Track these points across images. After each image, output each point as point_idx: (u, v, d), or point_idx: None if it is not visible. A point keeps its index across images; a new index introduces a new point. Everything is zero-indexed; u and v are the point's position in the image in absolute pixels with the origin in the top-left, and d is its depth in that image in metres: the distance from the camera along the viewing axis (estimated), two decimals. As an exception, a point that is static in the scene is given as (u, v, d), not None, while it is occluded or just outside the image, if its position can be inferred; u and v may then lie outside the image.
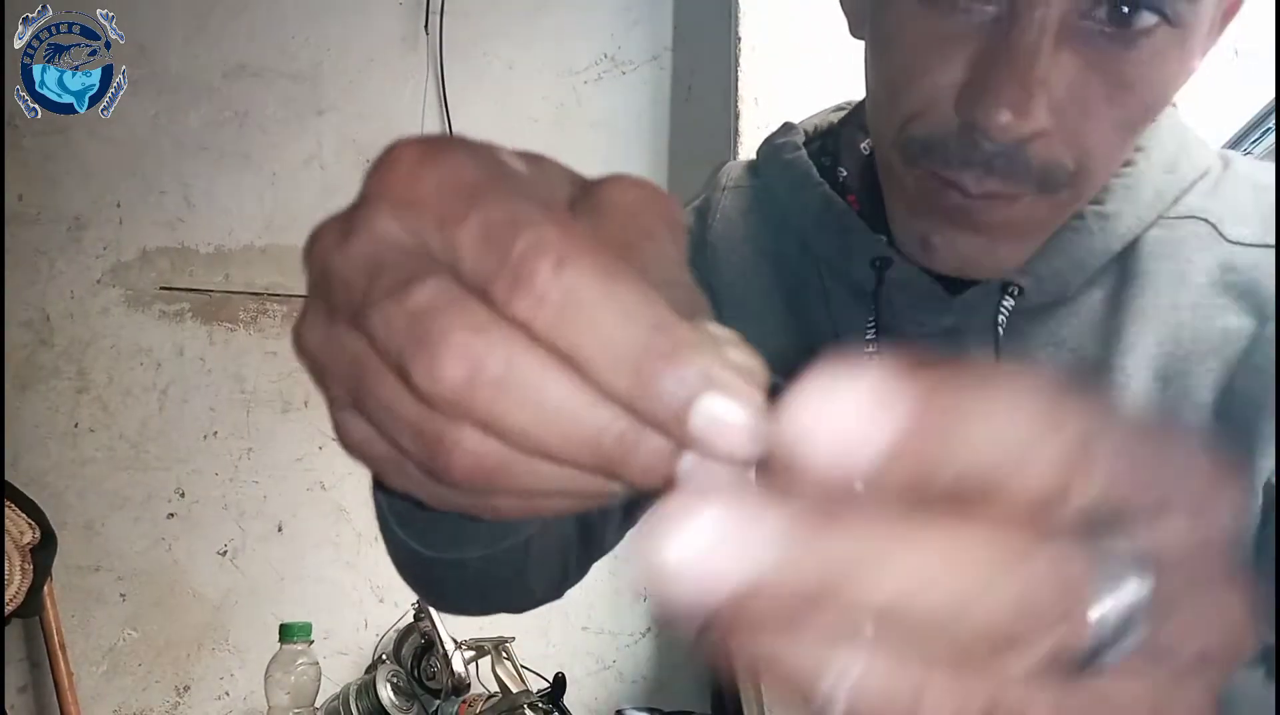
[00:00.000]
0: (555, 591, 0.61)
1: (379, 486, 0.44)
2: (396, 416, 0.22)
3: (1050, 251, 0.51)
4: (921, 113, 0.46)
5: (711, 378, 0.19)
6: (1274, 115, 1.06)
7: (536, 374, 0.20)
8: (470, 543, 0.45)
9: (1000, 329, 0.52)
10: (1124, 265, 0.52)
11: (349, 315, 0.22)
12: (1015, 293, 0.51)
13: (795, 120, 0.65)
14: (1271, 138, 1.07)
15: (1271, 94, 1.03)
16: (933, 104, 0.45)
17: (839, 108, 0.64)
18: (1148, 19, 0.43)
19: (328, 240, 0.23)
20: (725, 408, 0.19)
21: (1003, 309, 0.52)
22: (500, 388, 0.20)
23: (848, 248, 0.55)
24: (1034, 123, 0.43)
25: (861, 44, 0.54)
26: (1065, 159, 0.46)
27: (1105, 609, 0.16)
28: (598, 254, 0.20)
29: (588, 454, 0.20)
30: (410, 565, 0.51)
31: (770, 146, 0.62)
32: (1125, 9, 0.42)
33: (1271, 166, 0.55)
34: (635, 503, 0.63)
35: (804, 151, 0.60)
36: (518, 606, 0.60)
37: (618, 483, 0.21)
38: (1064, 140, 0.45)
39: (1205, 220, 0.52)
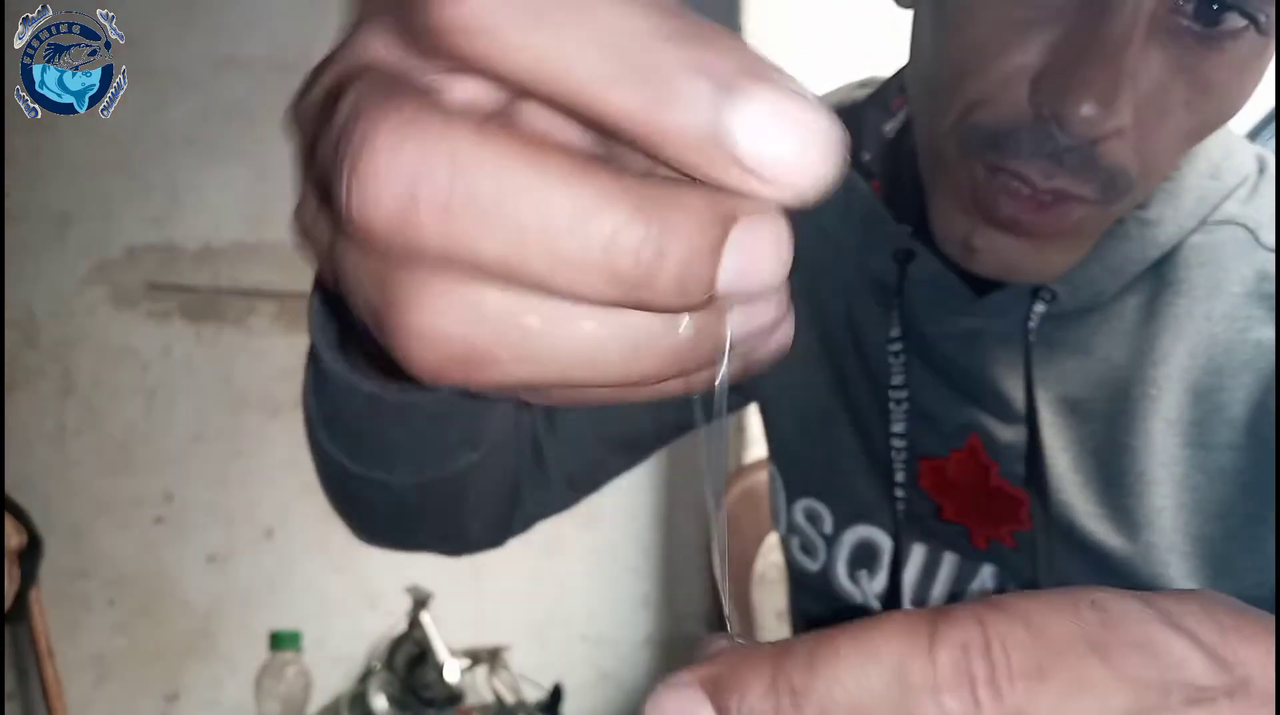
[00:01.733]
0: (495, 537, 0.58)
1: (311, 387, 0.41)
2: (353, 283, 0.17)
3: (1087, 256, 0.48)
4: (990, 99, 0.43)
5: (757, 71, 0.15)
6: (1274, 115, 1.06)
7: (503, 169, 0.15)
8: (401, 463, 0.42)
9: (1030, 336, 0.49)
10: (1161, 272, 0.50)
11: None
12: (1048, 298, 0.49)
13: (838, 90, 0.63)
14: (1271, 139, 1.07)
15: (1271, 94, 1.02)
16: (1004, 91, 0.42)
17: (863, 83, 0.61)
18: (1236, 21, 0.40)
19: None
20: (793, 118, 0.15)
21: (1033, 314, 0.49)
22: (452, 201, 0.14)
23: (869, 237, 0.53)
24: (1117, 118, 0.40)
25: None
26: (1131, 165, 0.43)
27: None
28: None
29: (599, 279, 0.15)
30: (335, 481, 0.48)
31: None
32: (1215, 6, 0.40)
33: None
34: (616, 445, 0.59)
35: None
36: (449, 547, 0.57)
37: (657, 331, 0.16)
38: (1135, 143, 0.42)
39: (1244, 226, 0.50)
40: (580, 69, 0.15)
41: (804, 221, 0.64)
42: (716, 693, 0.16)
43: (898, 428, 0.53)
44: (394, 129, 0.15)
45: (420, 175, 0.15)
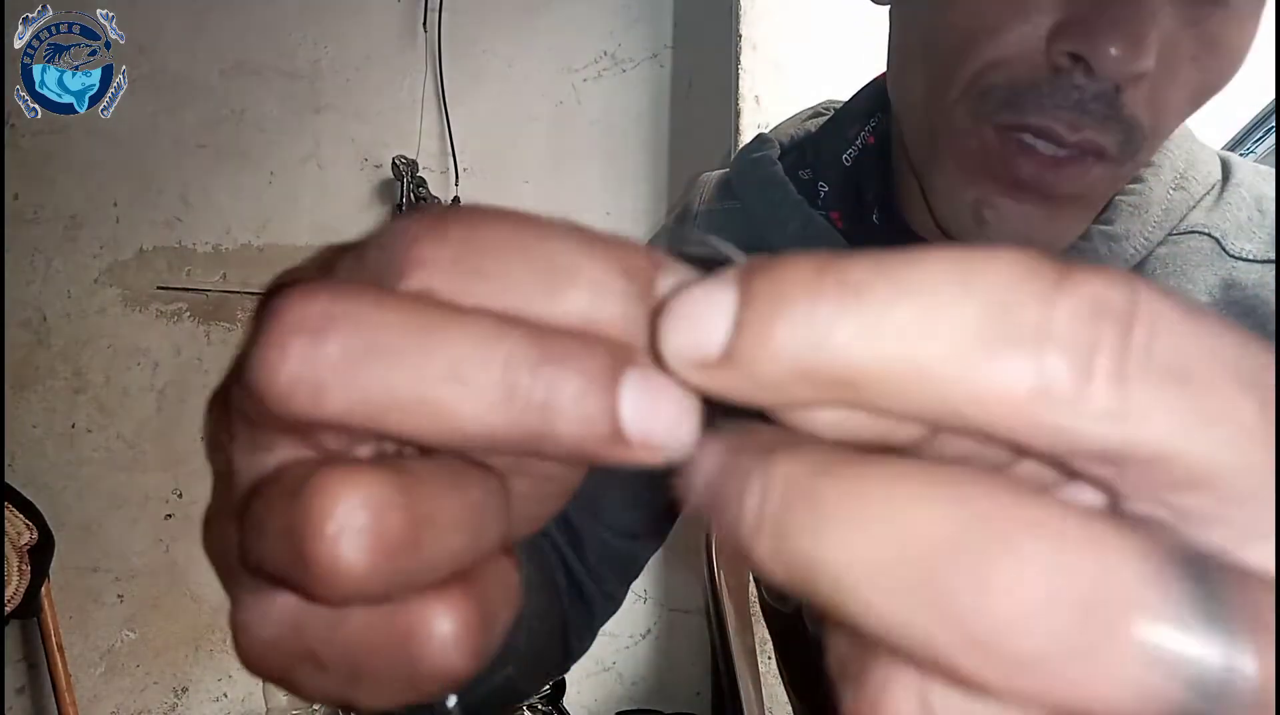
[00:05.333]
0: (558, 673, 0.58)
1: None
2: (266, 523, 0.16)
3: None
4: (1006, 58, 0.42)
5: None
6: (1274, 117, 1.05)
7: (399, 328, 0.15)
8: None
9: None
10: None
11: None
12: None
13: (788, 122, 0.62)
14: (1271, 139, 1.06)
15: (1272, 95, 1.02)
16: (1019, 48, 0.42)
17: (815, 113, 0.61)
18: None
19: None
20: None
21: None
22: (354, 367, 0.15)
23: None
24: (1144, 60, 0.40)
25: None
26: (1146, 119, 0.43)
27: None
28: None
29: (501, 425, 0.15)
30: None
31: (744, 162, 0.59)
32: None
33: (1272, 173, 0.53)
34: (641, 532, 0.59)
35: (780, 167, 0.57)
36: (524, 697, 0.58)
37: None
38: (1148, 97, 0.42)
39: (1209, 235, 0.50)
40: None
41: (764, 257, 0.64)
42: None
43: None
44: (299, 301, 0.15)
45: (320, 336, 0.15)
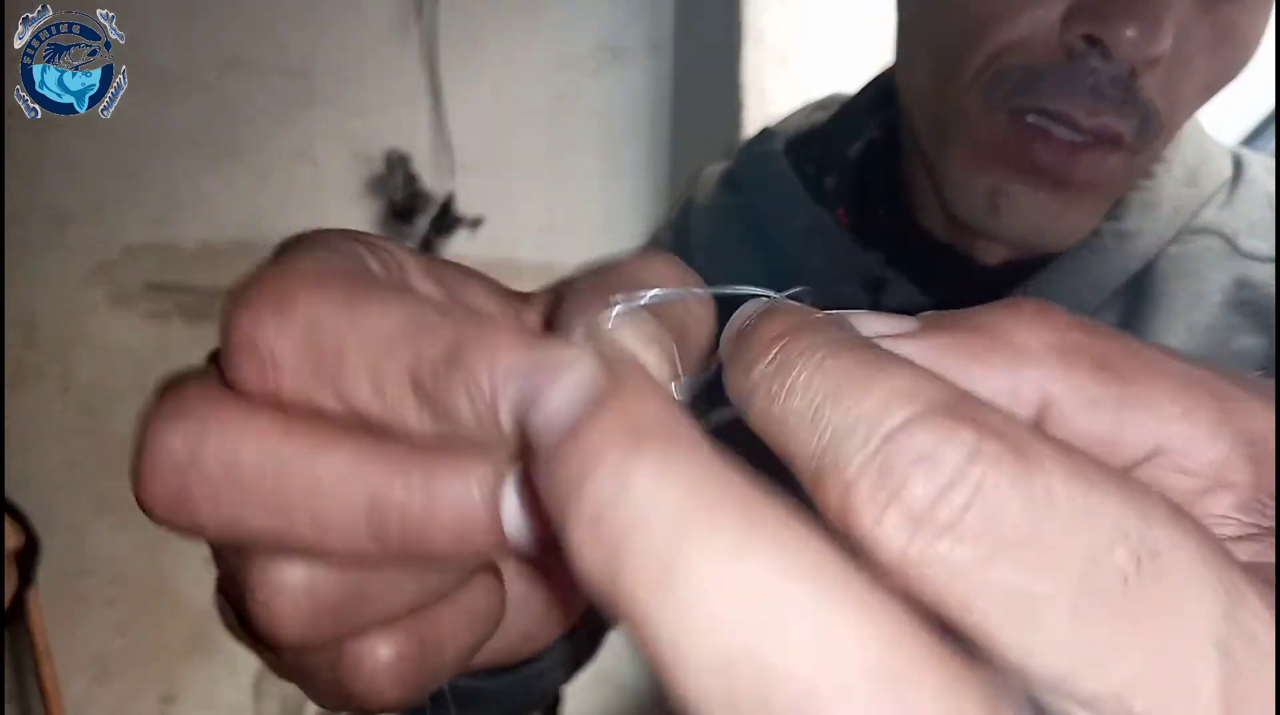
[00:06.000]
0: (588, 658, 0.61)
1: None
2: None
3: (1066, 272, 0.48)
4: (1019, 41, 0.42)
5: (535, 361, 0.14)
6: (1274, 118, 1.06)
7: (264, 445, 0.15)
8: None
9: None
10: (1139, 286, 0.49)
11: None
12: None
13: (794, 115, 0.61)
14: (1273, 143, 1.07)
15: (1271, 96, 1.02)
16: (1034, 31, 0.42)
17: (821, 106, 0.60)
18: None
19: None
20: (573, 385, 0.14)
21: None
22: (218, 481, 0.15)
23: (837, 269, 0.52)
24: (1161, 43, 0.40)
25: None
26: (1162, 105, 0.42)
27: None
28: (327, 284, 0.16)
29: (365, 538, 0.15)
30: None
31: (748, 156, 0.58)
32: None
33: None
34: None
35: (785, 161, 0.56)
36: None
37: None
38: (1164, 84, 0.42)
39: (1220, 234, 0.49)
40: (359, 399, 0.16)
41: (772, 258, 0.64)
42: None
43: None
44: (168, 415, 0.16)
45: (187, 458, 0.16)
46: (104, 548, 1.66)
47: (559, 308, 0.17)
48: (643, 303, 0.16)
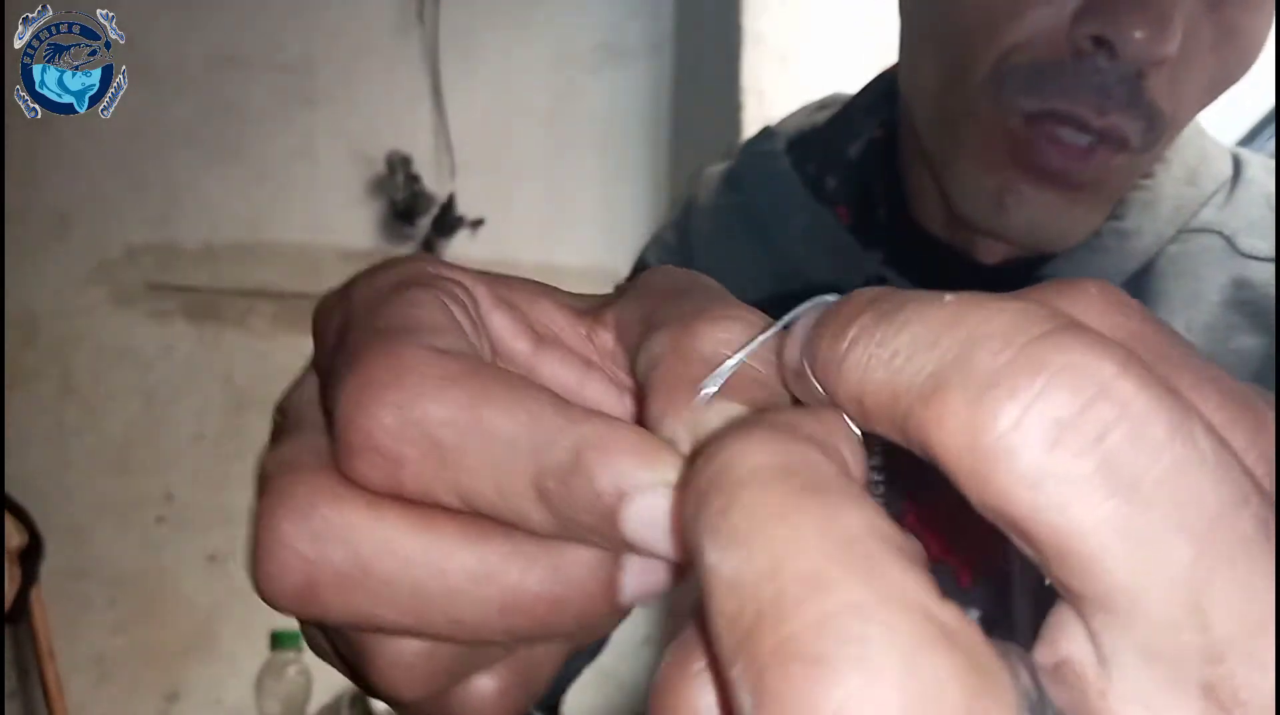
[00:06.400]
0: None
1: None
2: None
3: (1065, 271, 0.48)
4: (1028, 41, 0.42)
5: (640, 474, 0.15)
6: (1274, 119, 1.06)
7: (393, 542, 0.16)
8: None
9: None
10: (1138, 285, 0.49)
11: None
12: None
13: (794, 115, 0.61)
14: (1273, 143, 1.06)
15: (1271, 96, 1.02)
16: (1041, 30, 0.41)
17: (821, 106, 0.60)
18: None
19: None
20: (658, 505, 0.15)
21: None
22: (348, 578, 0.16)
23: (839, 268, 0.52)
24: (1169, 44, 0.39)
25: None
26: (1168, 106, 0.42)
27: None
28: (458, 382, 0.16)
29: (498, 632, 0.16)
30: None
31: (749, 156, 0.58)
32: None
33: None
34: None
35: (786, 161, 0.56)
36: None
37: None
38: (1170, 84, 0.42)
39: (1219, 233, 0.49)
40: (486, 505, 0.16)
41: (774, 257, 0.64)
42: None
43: (875, 462, 0.51)
44: (292, 513, 0.16)
45: (314, 557, 0.16)
46: (105, 547, 1.65)
47: (647, 402, 0.17)
48: (724, 377, 0.16)
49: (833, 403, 0.14)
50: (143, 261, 1.70)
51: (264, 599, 0.16)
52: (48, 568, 1.47)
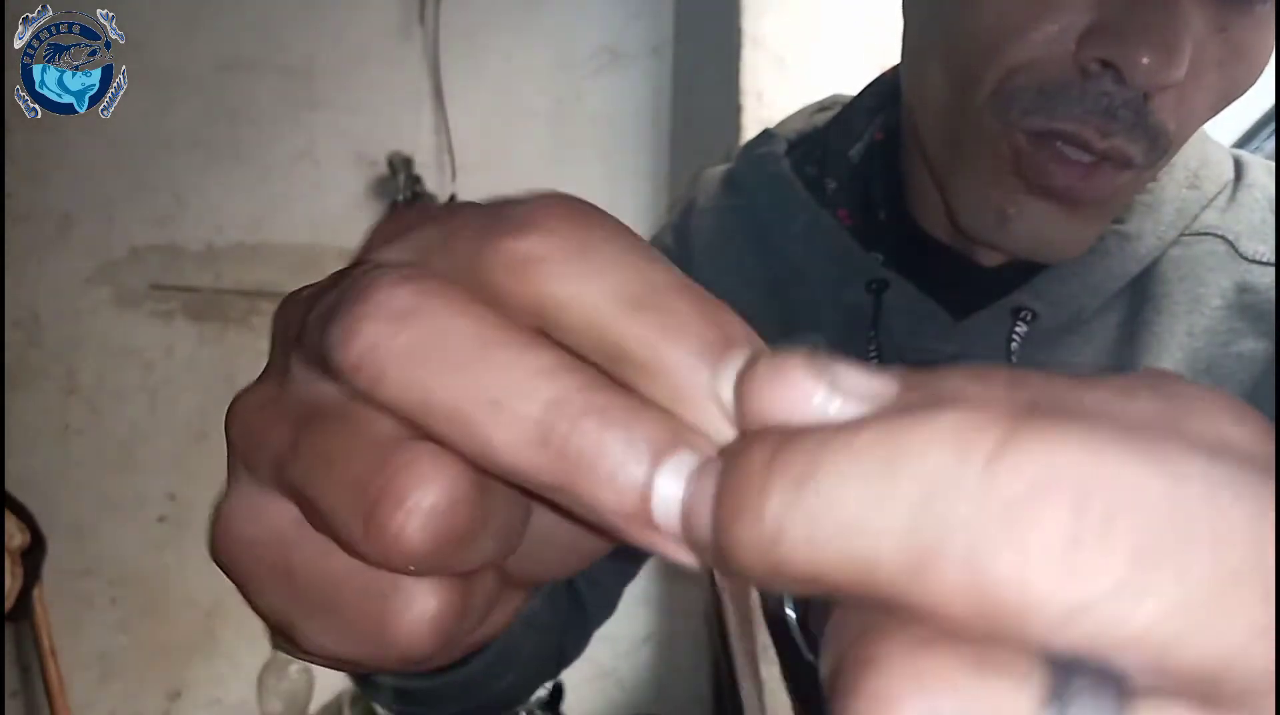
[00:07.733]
0: (551, 678, 0.59)
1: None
2: (335, 457, 0.17)
3: (1066, 273, 0.48)
4: (1034, 61, 0.42)
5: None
6: (1274, 119, 1.05)
7: (467, 330, 0.15)
8: (442, 708, 0.43)
9: (1013, 357, 0.48)
10: (1140, 288, 0.49)
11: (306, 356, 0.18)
12: (1028, 318, 0.48)
13: (794, 117, 0.61)
14: (1271, 143, 1.06)
15: (1272, 97, 1.02)
16: (1048, 50, 0.41)
17: (822, 108, 0.60)
18: None
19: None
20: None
21: (1015, 336, 0.48)
22: (414, 348, 0.15)
23: (840, 270, 0.52)
24: (1177, 71, 0.39)
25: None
26: (1172, 124, 0.42)
27: None
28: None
29: (530, 465, 0.15)
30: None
31: (749, 158, 0.58)
32: None
33: None
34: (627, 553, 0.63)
35: (786, 163, 0.56)
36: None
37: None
38: (1176, 103, 0.42)
39: (1222, 237, 0.49)
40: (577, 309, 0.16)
41: (774, 260, 0.64)
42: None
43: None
44: (385, 288, 0.16)
45: (390, 338, 0.15)
46: (107, 546, 1.66)
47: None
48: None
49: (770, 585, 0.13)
50: (146, 262, 1.71)
51: (328, 356, 0.16)
52: (50, 566, 1.47)
